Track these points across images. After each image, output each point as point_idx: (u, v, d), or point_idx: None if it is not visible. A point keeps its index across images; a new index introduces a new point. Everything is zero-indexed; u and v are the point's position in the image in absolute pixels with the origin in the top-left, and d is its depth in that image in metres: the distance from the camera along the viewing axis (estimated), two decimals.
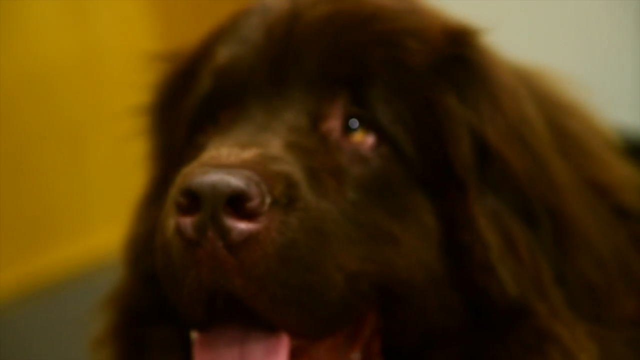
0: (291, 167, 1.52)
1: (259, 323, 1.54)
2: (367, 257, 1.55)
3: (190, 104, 1.77)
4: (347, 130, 1.62)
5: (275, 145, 1.56)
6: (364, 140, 1.62)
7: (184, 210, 1.44)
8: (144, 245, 1.71)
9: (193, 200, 1.43)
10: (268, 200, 1.42)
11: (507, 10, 3.89)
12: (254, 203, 1.40)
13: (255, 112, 1.65)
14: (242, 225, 1.41)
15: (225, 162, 1.46)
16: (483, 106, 1.66)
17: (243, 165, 1.44)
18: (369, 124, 1.61)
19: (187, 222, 1.43)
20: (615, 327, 1.72)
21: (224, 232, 1.42)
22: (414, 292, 1.60)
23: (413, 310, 1.62)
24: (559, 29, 3.91)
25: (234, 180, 1.40)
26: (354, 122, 1.62)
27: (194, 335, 1.60)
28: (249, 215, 1.41)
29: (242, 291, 1.45)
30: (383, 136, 1.61)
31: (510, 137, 1.67)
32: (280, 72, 1.66)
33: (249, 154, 1.49)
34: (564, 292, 1.68)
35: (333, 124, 1.63)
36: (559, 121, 1.82)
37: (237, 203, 1.41)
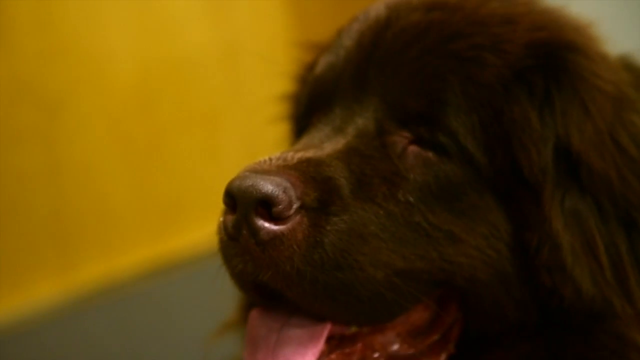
0: (335, 172, 1.60)
1: None
2: (420, 255, 1.60)
3: (298, 102, 1.90)
4: (417, 140, 1.67)
5: (332, 149, 1.65)
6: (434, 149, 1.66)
7: (227, 209, 1.56)
8: None
9: (232, 201, 1.54)
10: (296, 205, 1.52)
11: None
12: (280, 207, 1.50)
13: (336, 116, 1.73)
14: (270, 226, 1.51)
15: (263, 168, 1.56)
16: (570, 113, 1.66)
17: (279, 172, 1.54)
18: (440, 136, 1.66)
19: (229, 219, 1.56)
20: None
21: (255, 231, 1.52)
22: (480, 288, 1.64)
23: (485, 304, 1.65)
24: None
25: (264, 186, 1.51)
26: (425, 136, 1.66)
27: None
28: (276, 218, 1.50)
29: (273, 282, 1.56)
30: (454, 146, 1.66)
31: (601, 144, 1.66)
32: (363, 79, 1.72)
33: (294, 159, 1.60)
34: None
35: (401, 136, 1.68)
36: None
37: (267, 206, 1.51)
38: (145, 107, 4.22)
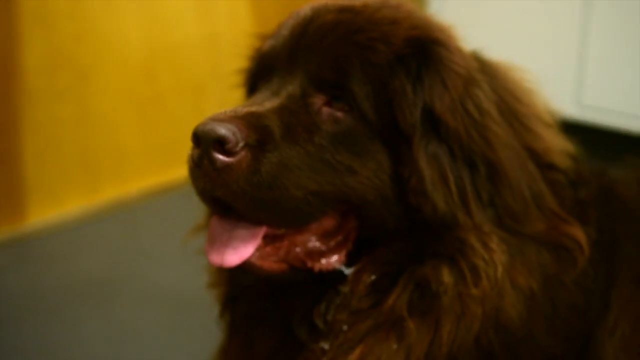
0: (270, 121, 1.63)
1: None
2: (328, 181, 1.65)
3: (250, 74, 1.91)
4: (329, 102, 1.71)
5: (270, 106, 1.68)
6: (340, 109, 1.71)
7: (194, 145, 1.60)
8: None
9: (197, 140, 1.59)
10: (241, 144, 1.56)
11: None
12: (230, 145, 1.54)
13: (274, 83, 1.76)
14: (223, 158, 1.55)
15: (220, 117, 1.59)
16: (433, 87, 1.72)
17: (230, 120, 1.58)
18: (345, 99, 1.70)
19: (195, 152, 1.60)
20: (528, 239, 1.76)
21: (212, 161, 1.57)
22: (369, 205, 1.69)
23: (372, 216, 1.71)
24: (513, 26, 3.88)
25: (219, 130, 1.55)
26: (334, 98, 1.71)
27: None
28: (227, 152, 1.55)
29: (225, 197, 1.60)
30: (354, 107, 1.70)
31: (454, 108, 1.72)
32: (293, 60, 1.76)
33: (243, 111, 1.63)
34: (492, 213, 1.74)
35: (319, 98, 1.71)
36: (510, 103, 1.85)
37: (221, 144, 1.55)
38: (149, 77, 4.19)
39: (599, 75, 3.57)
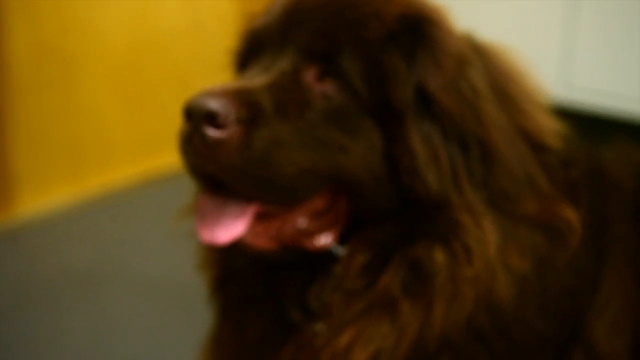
0: (261, 97, 1.61)
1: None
2: (319, 159, 1.63)
3: (240, 52, 1.88)
4: (320, 78, 1.69)
5: (261, 82, 1.66)
6: (332, 85, 1.68)
7: (185, 120, 1.57)
8: None
9: (188, 114, 1.56)
10: (232, 118, 1.53)
11: None
12: (221, 119, 1.52)
13: (265, 60, 1.73)
14: (214, 132, 1.53)
15: (211, 92, 1.57)
16: (427, 65, 1.70)
17: (221, 95, 1.55)
18: (336, 75, 1.68)
19: (186, 127, 1.57)
20: (520, 220, 1.74)
21: (203, 136, 1.54)
22: (361, 184, 1.67)
23: (364, 195, 1.69)
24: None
25: (210, 103, 1.53)
26: (326, 73, 1.69)
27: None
28: (218, 126, 1.52)
29: (216, 173, 1.58)
30: (346, 84, 1.67)
31: (448, 87, 1.70)
32: (285, 35, 1.73)
33: (234, 87, 1.61)
34: (485, 194, 1.72)
35: (310, 73, 1.69)
36: (502, 84, 1.82)
37: (212, 118, 1.53)
38: (134, 66, 4.18)
39: (587, 55, 3.54)
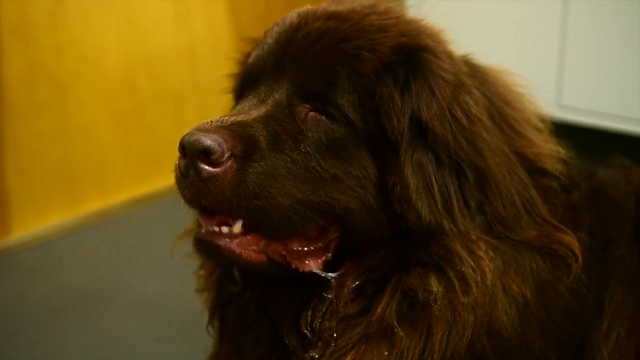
0: (256, 131, 1.61)
1: None
2: (312, 190, 1.62)
3: (237, 81, 1.88)
4: (315, 113, 1.68)
5: (256, 114, 1.66)
6: (326, 117, 1.68)
7: (180, 155, 1.58)
8: None
9: (184, 150, 1.56)
10: (227, 154, 1.54)
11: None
12: (215, 156, 1.52)
13: (261, 91, 1.73)
14: (209, 168, 1.53)
15: (206, 128, 1.57)
16: (421, 94, 1.68)
17: (216, 131, 1.56)
18: (331, 110, 1.67)
19: (181, 163, 1.58)
20: (520, 245, 1.72)
21: (198, 172, 1.55)
22: (352, 214, 1.66)
23: (356, 225, 1.67)
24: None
25: (205, 141, 1.53)
26: (320, 111, 1.68)
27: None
28: (213, 163, 1.53)
29: (211, 206, 1.59)
30: (340, 115, 1.66)
31: (442, 115, 1.68)
32: (280, 66, 1.72)
33: (229, 121, 1.61)
34: (482, 220, 1.70)
35: (304, 107, 1.69)
36: (500, 108, 1.81)
37: (207, 154, 1.53)
38: (130, 88, 4.13)
39: (578, 77, 3.56)
